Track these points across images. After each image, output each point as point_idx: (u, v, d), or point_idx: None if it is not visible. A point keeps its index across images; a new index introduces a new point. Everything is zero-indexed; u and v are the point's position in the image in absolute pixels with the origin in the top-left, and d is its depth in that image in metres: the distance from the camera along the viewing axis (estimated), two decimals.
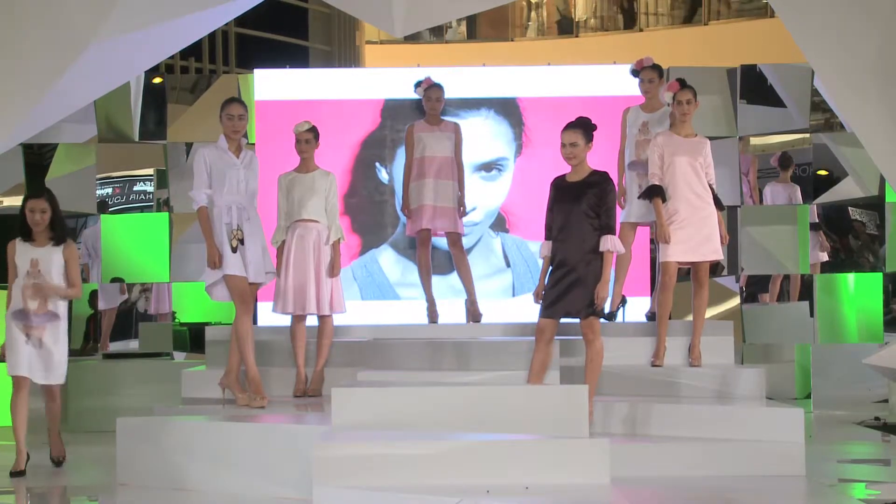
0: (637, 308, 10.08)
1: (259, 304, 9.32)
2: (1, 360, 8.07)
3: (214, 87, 12.17)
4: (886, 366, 9.94)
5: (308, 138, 8.46)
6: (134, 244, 11.75)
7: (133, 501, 6.98)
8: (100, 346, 12.29)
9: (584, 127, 7.48)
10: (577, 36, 22.97)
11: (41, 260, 7.91)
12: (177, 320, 12.01)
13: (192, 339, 11.64)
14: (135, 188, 13.81)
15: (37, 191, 8.33)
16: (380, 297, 11.05)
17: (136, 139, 11.79)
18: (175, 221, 11.58)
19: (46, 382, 8.06)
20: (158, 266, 11.63)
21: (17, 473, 7.90)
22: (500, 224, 11.12)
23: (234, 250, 7.80)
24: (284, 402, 8.19)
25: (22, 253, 7.96)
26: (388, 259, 11.16)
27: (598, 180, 7.46)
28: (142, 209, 12.92)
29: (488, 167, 11.09)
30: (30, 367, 7.86)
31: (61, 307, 8.09)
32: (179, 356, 11.60)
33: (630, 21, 23.04)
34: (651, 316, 9.35)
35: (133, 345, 12.24)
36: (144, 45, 9.76)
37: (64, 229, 8.24)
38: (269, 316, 9.04)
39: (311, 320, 8.46)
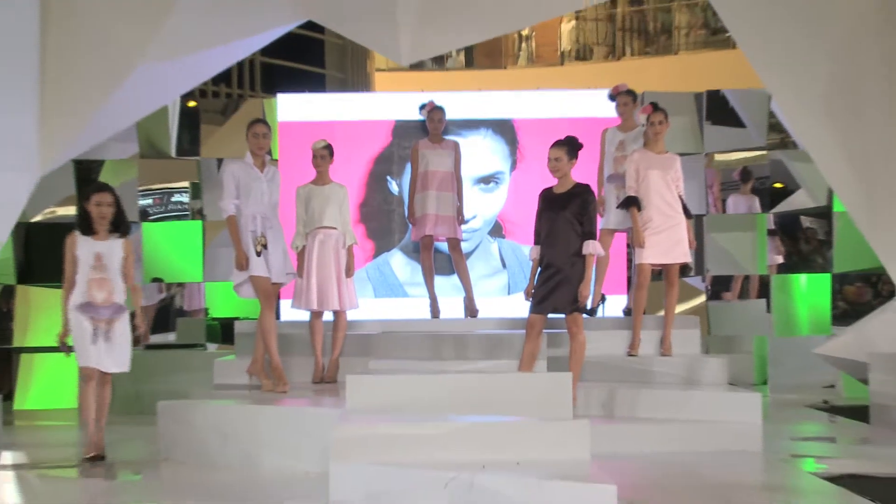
0: (615, 305, 10.10)
1: (281, 301, 9.33)
2: (63, 350, 7.49)
3: (242, 110, 12.19)
4: (834, 355, 9.98)
5: (324, 154, 8.48)
6: (171, 248, 11.77)
7: (172, 475, 7.00)
8: (142, 338, 12.31)
9: (568, 144, 7.50)
10: (562, 64, 23.00)
11: (104, 253, 7.29)
12: (209, 315, 12.04)
13: (223, 332, 11.65)
14: (172, 199, 13.82)
15: (102, 186, 7.59)
16: (391, 294, 11.09)
17: (173, 155, 11.81)
18: (207, 228, 11.62)
19: (116, 371, 7.53)
20: (193, 268, 11.65)
21: (92, 458, 7.44)
22: (497, 230, 11.14)
23: (258, 254, 7.82)
24: (304, 388, 8.19)
25: (84, 246, 7.32)
26: (398, 261, 11.18)
27: (581, 191, 7.47)
28: (178, 217, 12.92)
29: (486, 180, 11.11)
30: (98, 357, 7.35)
31: (125, 299, 7.56)
32: (212, 347, 11.63)
33: (609, 52, 23.09)
34: (627, 312, 9.37)
35: (171, 337, 12.25)
36: (180, 72, 9.79)
37: (127, 224, 7.68)
38: (289, 312, 9.05)
39: (327, 315, 8.48)
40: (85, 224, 7.27)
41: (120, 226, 7.37)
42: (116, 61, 8.95)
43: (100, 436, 7.56)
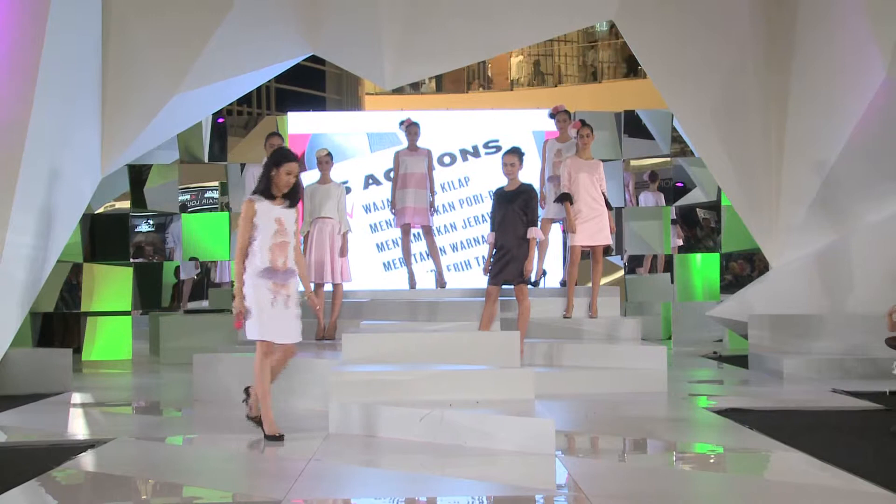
0: (553, 278, 10.09)
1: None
2: (239, 320, 5.60)
3: (260, 125, 12.11)
4: (722, 316, 10.02)
5: (326, 160, 8.39)
6: (204, 234, 11.66)
7: (205, 412, 6.92)
8: (181, 305, 12.20)
9: (518, 153, 7.46)
10: (512, 90, 22.99)
11: (285, 219, 5.70)
12: (234, 286, 11.95)
13: None
14: (205, 195, 13.70)
15: (292, 155, 5.84)
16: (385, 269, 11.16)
17: (206, 161, 11.68)
18: (233, 218, 11.50)
19: (293, 341, 5.73)
20: (221, 249, 11.54)
21: (273, 438, 5.55)
22: None
23: None
24: (308, 344, 8.12)
25: (265, 212, 5.66)
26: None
27: (526, 189, 7.44)
28: (210, 209, 12.83)
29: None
30: (277, 328, 5.62)
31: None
32: None
33: (550, 79, 23.15)
34: (563, 283, 9.35)
35: (205, 304, 12.17)
36: (211, 96, 9.71)
37: (301, 192, 6.08)
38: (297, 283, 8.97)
39: (328, 287, 8.40)
40: (269, 190, 5.70)
41: (295, 195, 5.81)
42: (162, 87, 8.88)
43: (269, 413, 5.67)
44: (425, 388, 5.84)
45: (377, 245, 11.10)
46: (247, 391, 5.78)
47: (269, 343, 5.60)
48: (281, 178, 5.63)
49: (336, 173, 8.91)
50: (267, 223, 5.61)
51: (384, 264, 11.08)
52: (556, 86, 22.70)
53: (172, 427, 6.74)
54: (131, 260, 11.40)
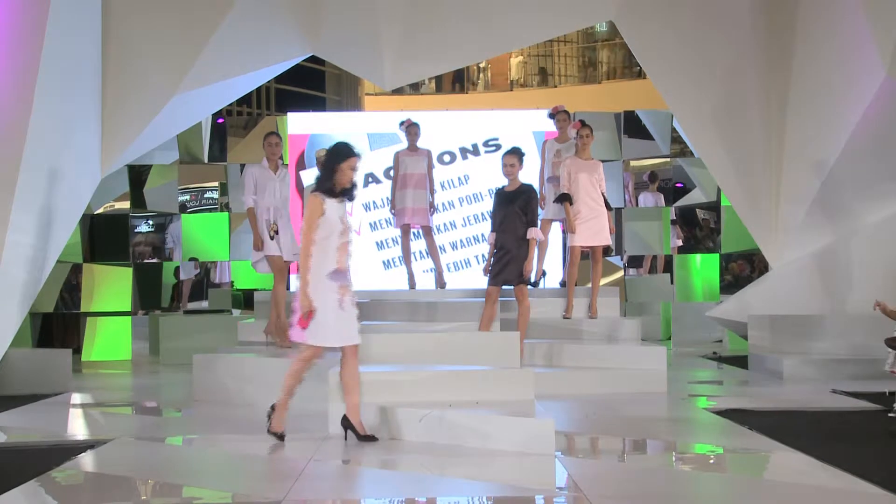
0: (553, 278, 10.09)
1: (290, 276, 9.24)
2: (305, 321, 5.32)
3: (259, 125, 12.12)
4: (721, 317, 10.01)
5: None
6: (204, 234, 11.67)
7: (205, 411, 6.91)
8: (181, 305, 12.21)
9: (518, 153, 7.45)
10: (511, 90, 22.98)
11: (346, 218, 5.44)
12: (234, 287, 11.95)
13: (245, 300, 11.60)
14: (205, 195, 13.71)
15: (354, 150, 5.47)
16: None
17: (206, 161, 11.68)
18: (232, 218, 11.51)
19: (356, 343, 5.49)
20: (221, 249, 11.54)
21: (275, 434, 5.53)
22: None
23: (271, 238, 7.72)
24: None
25: (333, 210, 5.36)
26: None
27: (526, 190, 7.43)
28: (210, 210, 12.83)
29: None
30: (340, 333, 5.41)
31: None
32: (236, 312, 11.53)
33: (548, 80, 23.14)
34: (562, 283, 9.34)
35: (204, 304, 12.17)
36: (211, 96, 9.70)
37: (356, 191, 5.62)
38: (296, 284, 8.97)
39: None
40: (332, 187, 5.35)
41: (353, 191, 5.48)
42: (161, 87, 8.88)
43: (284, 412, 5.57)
44: (425, 389, 5.84)
45: (377, 243, 11.11)
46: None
47: (321, 349, 5.46)
48: (344, 174, 5.38)
49: None
50: (334, 222, 5.35)
51: (384, 262, 11.08)
52: (555, 87, 22.70)
53: (172, 427, 6.74)
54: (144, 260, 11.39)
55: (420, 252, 10.23)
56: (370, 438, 5.45)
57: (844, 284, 9.11)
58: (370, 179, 11.14)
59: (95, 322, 10.97)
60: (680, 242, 12.59)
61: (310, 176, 8.84)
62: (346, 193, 5.44)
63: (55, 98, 7.81)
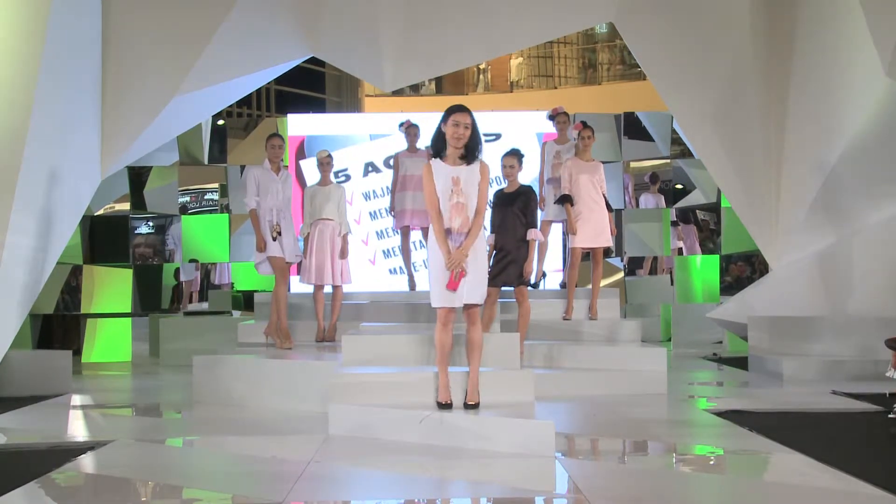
0: (553, 279, 10.09)
1: (291, 277, 9.25)
2: (454, 281, 5.31)
3: (260, 127, 12.13)
4: (721, 318, 10.01)
5: (326, 161, 8.36)
6: (205, 236, 11.68)
7: (205, 413, 6.91)
8: (182, 307, 12.21)
9: (517, 155, 7.45)
10: (511, 92, 22.98)
11: (462, 178, 5.36)
12: (234, 288, 11.95)
13: (245, 301, 11.59)
14: (205, 197, 13.70)
15: (461, 106, 5.46)
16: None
17: (206, 163, 11.69)
18: (233, 220, 11.52)
19: (477, 301, 5.48)
20: (221, 251, 11.55)
21: (441, 405, 5.56)
22: None
23: (274, 239, 7.73)
24: (309, 346, 8.12)
25: (440, 173, 5.38)
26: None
27: (526, 191, 7.42)
28: (210, 211, 12.82)
29: None
30: (457, 293, 5.39)
31: None
32: (236, 313, 11.53)
33: (549, 82, 23.10)
34: (563, 285, 9.34)
35: (204, 305, 12.17)
36: (211, 97, 9.71)
37: (480, 148, 5.52)
38: (298, 285, 8.97)
39: (327, 288, 8.39)
40: (439, 146, 5.38)
41: (473, 151, 5.41)
42: (162, 88, 8.88)
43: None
44: (424, 390, 5.82)
45: (377, 233, 11.17)
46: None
47: (449, 311, 5.42)
48: (449, 130, 5.34)
49: (336, 161, 8.97)
50: (444, 183, 5.35)
51: (384, 252, 11.13)
52: (555, 88, 22.72)
53: (172, 429, 6.73)
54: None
55: (423, 262, 10.24)
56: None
57: (844, 286, 9.11)
58: (370, 168, 11.16)
59: (95, 323, 10.98)
60: (680, 244, 12.59)
61: (310, 166, 8.88)
62: (466, 156, 5.39)
63: (55, 99, 7.81)
